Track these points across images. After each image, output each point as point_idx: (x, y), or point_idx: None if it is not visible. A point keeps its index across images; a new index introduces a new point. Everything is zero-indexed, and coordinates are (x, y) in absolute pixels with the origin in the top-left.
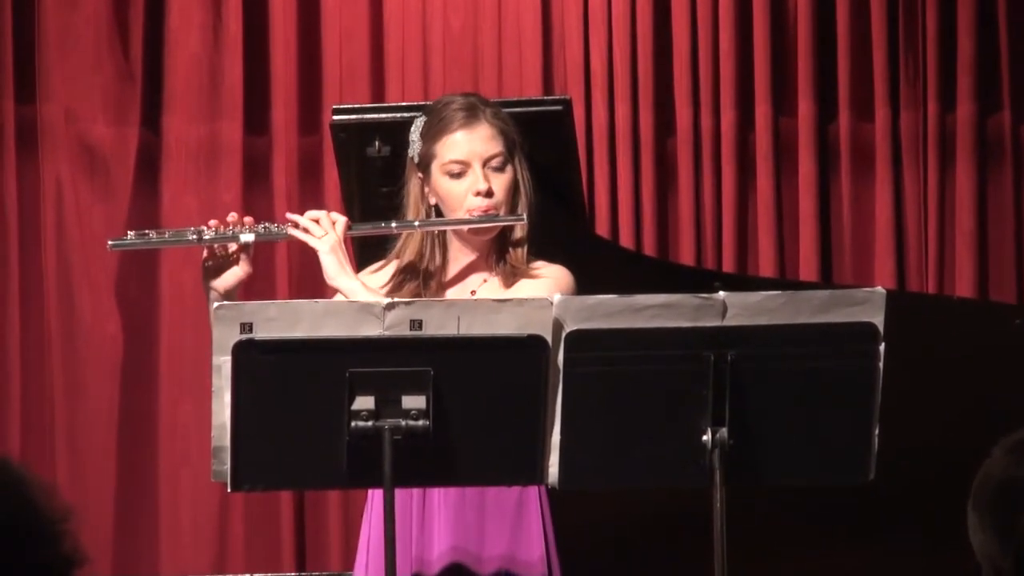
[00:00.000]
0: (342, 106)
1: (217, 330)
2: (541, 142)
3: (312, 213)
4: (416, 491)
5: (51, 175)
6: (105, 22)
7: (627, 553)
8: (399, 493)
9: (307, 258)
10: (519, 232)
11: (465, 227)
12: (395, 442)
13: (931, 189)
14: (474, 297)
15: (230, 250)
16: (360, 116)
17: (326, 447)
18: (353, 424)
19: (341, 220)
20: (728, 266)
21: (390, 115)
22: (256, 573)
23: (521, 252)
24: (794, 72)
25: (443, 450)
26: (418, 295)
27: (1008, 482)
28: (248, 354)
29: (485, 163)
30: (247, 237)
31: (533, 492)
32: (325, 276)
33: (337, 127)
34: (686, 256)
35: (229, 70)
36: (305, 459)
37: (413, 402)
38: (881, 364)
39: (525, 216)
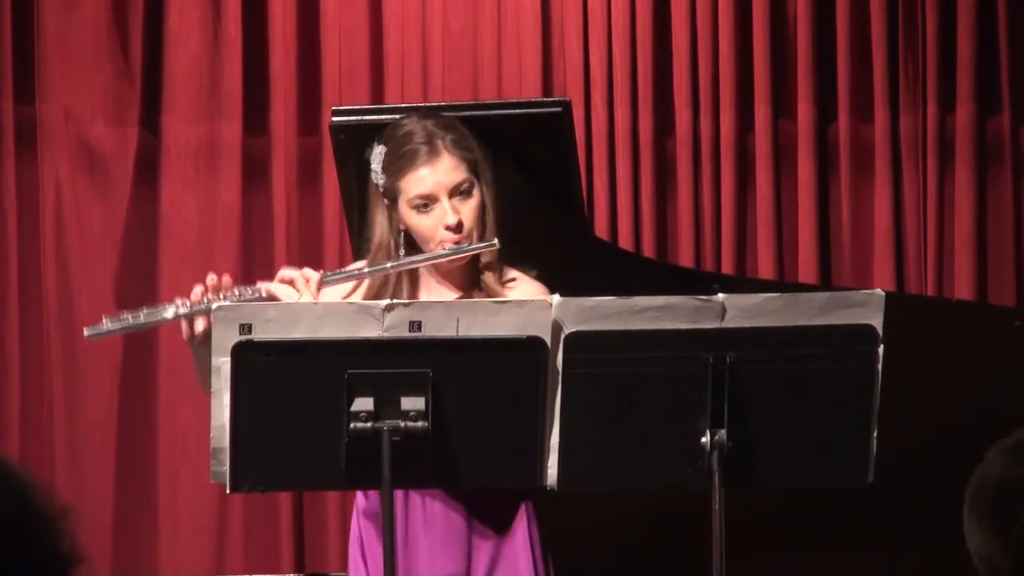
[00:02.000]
0: (341, 107)
1: (216, 331)
2: (540, 144)
3: (285, 273)
4: (399, 507)
5: (50, 175)
6: (104, 23)
7: (625, 555)
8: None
9: (307, 263)
10: (488, 257)
11: (440, 261)
12: (394, 443)
13: (930, 191)
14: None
15: (205, 323)
16: (359, 118)
17: (325, 448)
18: (352, 425)
19: (314, 277)
20: (727, 268)
21: (390, 117)
22: (255, 574)
23: (493, 275)
24: (793, 74)
25: (442, 451)
26: None
27: (1006, 483)
28: (247, 355)
29: (451, 193)
30: (221, 305)
31: (520, 508)
32: None
33: (336, 128)
34: (685, 258)
35: (228, 71)
36: (304, 460)
37: (412, 403)
38: (880, 366)
39: (496, 241)
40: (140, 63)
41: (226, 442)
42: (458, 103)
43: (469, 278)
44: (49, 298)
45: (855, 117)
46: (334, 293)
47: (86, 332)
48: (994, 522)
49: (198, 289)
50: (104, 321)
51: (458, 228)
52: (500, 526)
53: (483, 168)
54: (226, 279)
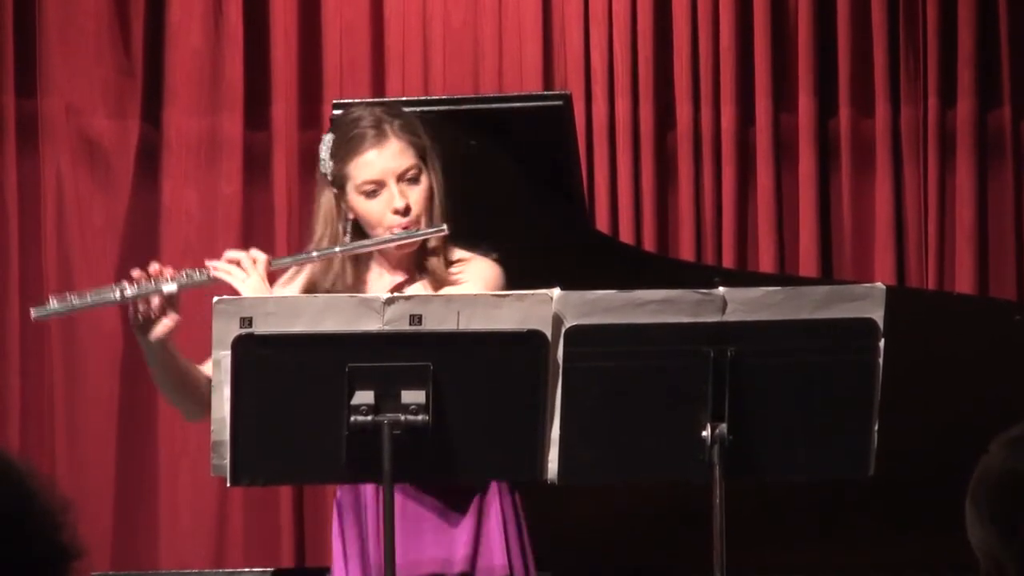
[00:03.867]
0: (342, 101)
1: (217, 324)
2: (541, 137)
3: (231, 254)
4: (371, 499)
5: (52, 168)
6: (106, 16)
7: (626, 548)
8: (356, 501)
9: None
10: (435, 242)
11: (389, 246)
12: (394, 437)
13: (931, 185)
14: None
15: (153, 304)
16: None
17: (326, 442)
18: (353, 419)
19: (262, 259)
20: (728, 262)
21: None
22: (255, 567)
23: (439, 260)
24: (794, 68)
25: (442, 445)
26: None
27: (1008, 476)
28: (248, 348)
29: (399, 178)
30: (169, 288)
31: (493, 491)
32: None
33: None
34: (686, 252)
35: (230, 64)
36: (305, 454)
37: (413, 397)
38: (881, 360)
39: (445, 227)
40: (141, 56)
41: (226, 435)
42: (458, 96)
43: (416, 262)
44: (50, 291)
45: (856, 111)
46: (286, 287)
47: (32, 313)
48: (994, 516)
49: (152, 266)
50: (50, 301)
51: (406, 212)
52: (474, 511)
53: (431, 156)
54: (168, 268)
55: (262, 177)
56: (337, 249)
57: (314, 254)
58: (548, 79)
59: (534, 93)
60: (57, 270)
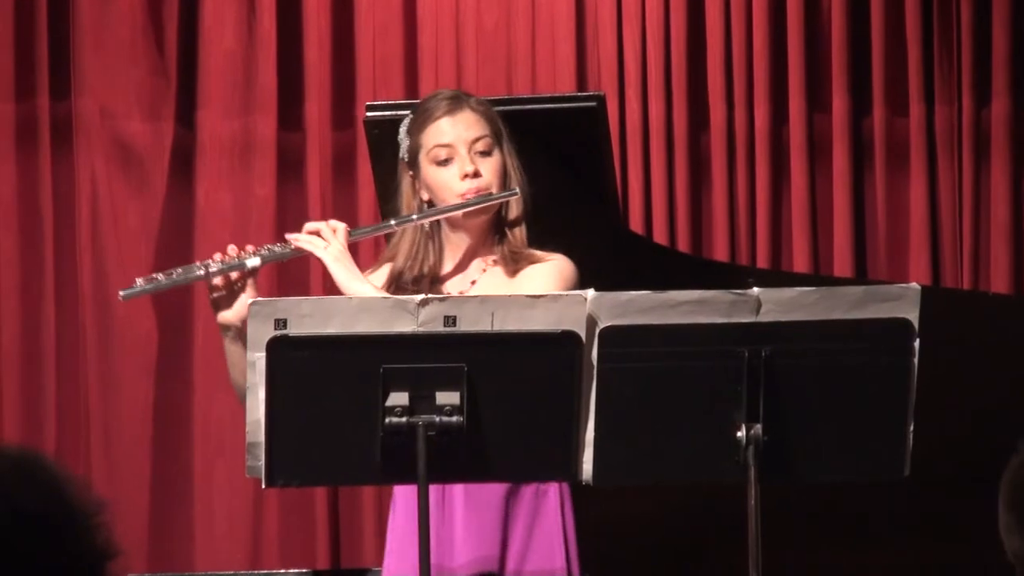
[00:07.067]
0: (376, 103)
1: (252, 326)
2: (574, 138)
3: (311, 225)
4: (435, 492)
5: (86, 171)
6: (139, 18)
7: (659, 549)
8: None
9: None
10: (515, 211)
11: (461, 212)
12: (429, 438)
13: (966, 184)
14: (475, 287)
15: (233, 277)
16: (393, 112)
17: (360, 443)
18: (387, 420)
19: (341, 227)
20: (762, 262)
21: None
22: (291, 568)
23: (520, 232)
24: (828, 67)
25: (477, 446)
26: (416, 293)
27: None
28: (282, 350)
29: (471, 147)
30: (253, 262)
31: (553, 489)
32: (338, 285)
33: (370, 124)
34: (720, 252)
35: (263, 66)
36: (339, 455)
37: (447, 398)
38: (916, 360)
39: (518, 189)
40: (175, 58)
41: (261, 437)
42: (492, 97)
43: (496, 238)
44: (85, 293)
45: (890, 110)
46: (373, 280)
47: (121, 293)
48: None
49: (231, 248)
50: (137, 281)
51: (476, 175)
52: (535, 507)
53: (506, 142)
54: (249, 245)
55: (296, 178)
56: (414, 217)
57: (392, 222)
58: (581, 80)
59: (567, 94)
60: (92, 273)
